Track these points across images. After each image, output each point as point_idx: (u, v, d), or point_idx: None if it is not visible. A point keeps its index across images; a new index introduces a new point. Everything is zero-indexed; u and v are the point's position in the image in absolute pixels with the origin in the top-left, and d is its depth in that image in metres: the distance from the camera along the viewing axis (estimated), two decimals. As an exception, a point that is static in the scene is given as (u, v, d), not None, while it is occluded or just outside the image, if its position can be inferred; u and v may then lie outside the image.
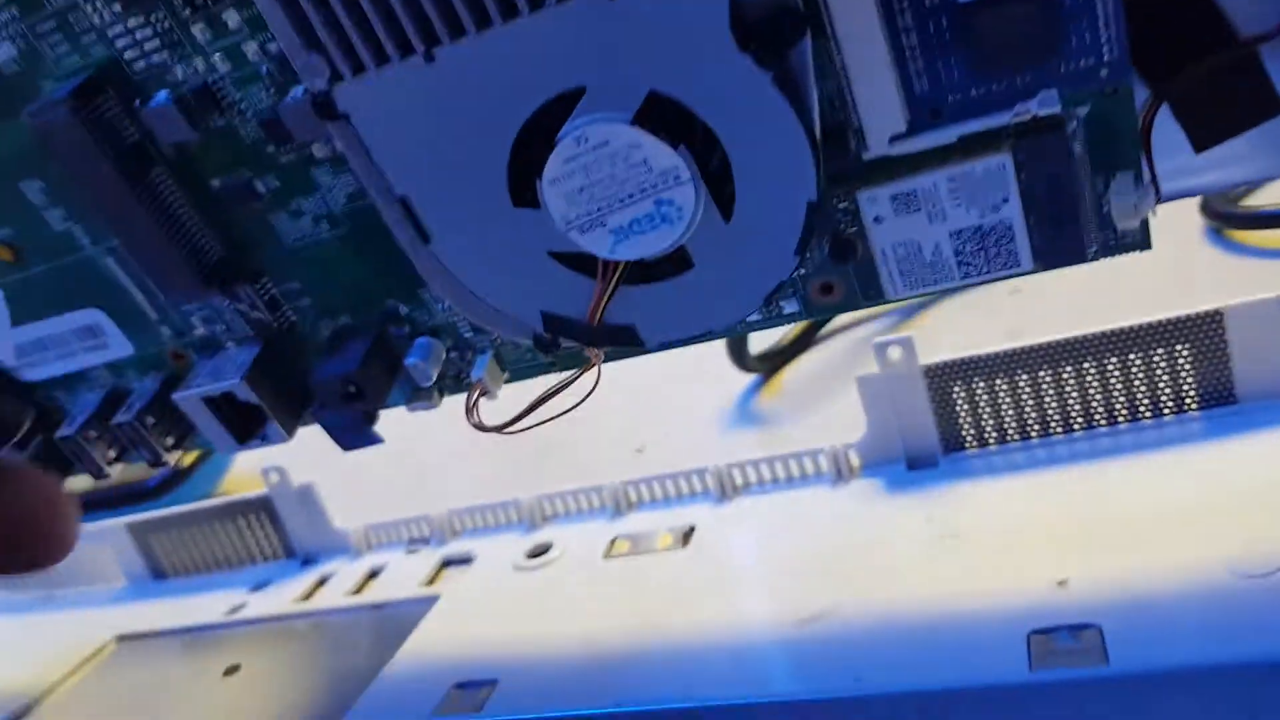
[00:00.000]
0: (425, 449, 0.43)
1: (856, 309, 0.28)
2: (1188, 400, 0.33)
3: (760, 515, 0.36)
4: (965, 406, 0.35)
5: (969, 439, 0.36)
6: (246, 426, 0.31)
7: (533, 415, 0.30)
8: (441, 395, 0.32)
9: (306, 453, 0.35)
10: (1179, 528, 0.28)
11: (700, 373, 0.49)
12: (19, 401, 0.34)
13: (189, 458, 0.58)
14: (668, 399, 0.48)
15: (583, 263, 0.26)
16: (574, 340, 0.28)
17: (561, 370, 0.31)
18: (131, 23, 0.26)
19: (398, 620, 0.37)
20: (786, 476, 0.37)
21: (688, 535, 0.36)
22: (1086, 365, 0.33)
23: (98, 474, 0.33)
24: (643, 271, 0.26)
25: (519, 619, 0.35)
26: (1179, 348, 0.32)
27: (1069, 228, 0.24)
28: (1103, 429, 0.34)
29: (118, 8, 0.26)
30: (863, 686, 0.25)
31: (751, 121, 0.23)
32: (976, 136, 0.23)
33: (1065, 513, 0.30)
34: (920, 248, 0.26)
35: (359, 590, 0.41)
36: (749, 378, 0.49)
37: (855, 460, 0.36)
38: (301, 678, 0.36)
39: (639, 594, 0.34)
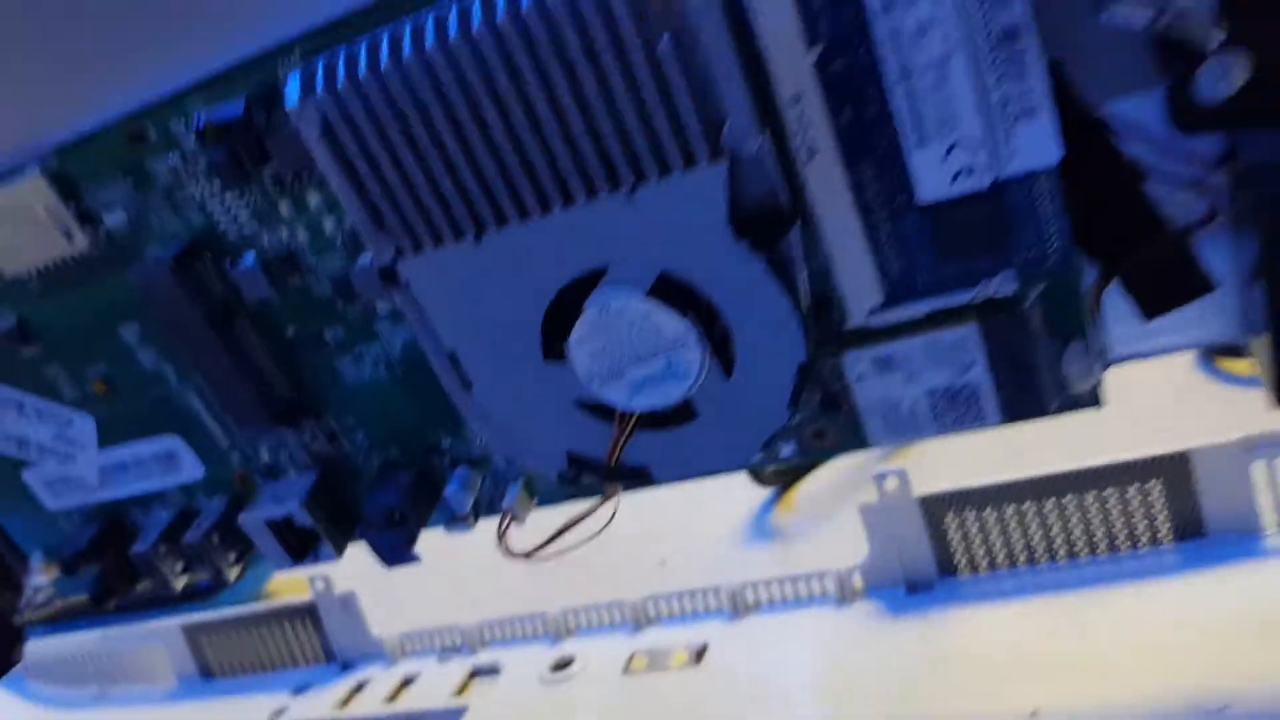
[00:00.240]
0: (455, 557, 0.46)
1: (846, 452, 0.32)
2: (1161, 532, 0.35)
3: (770, 634, 0.39)
4: (957, 533, 0.38)
5: (962, 564, 0.38)
6: (302, 546, 0.35)
7: (555, 543, 0.33)
8: (477, 518, 0.35)
9: (349, 558, 0.39)
10: (1144, 661, 0.30)
11: (719, 485, 0.52)
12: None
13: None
14: (688, 512, 0.51)
15: (603, 411, 0.30)
16: (594, 477, 0.31)
17: (584, 497, 0.34)
18: (228, 199, 0.31)
19: (430, 728, 0.40)
20: (795, 596, 0.40)
21: (701, 653, 0.39)
22: (1067, 498, 0.36)
23: (164, 586, 0.37)
24: (655, 420, 0.29)
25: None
26: (1150, 483, 0.35)
27: (1030, 389, 0.28)
28: (1084, 558, 0.36)
29: (218, 185, 0.31)
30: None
31: (748, 298, 0.27)
32: (945, 311, 0.27)
33: (1044, 642, 0.33)
34: (899, 403, 0.29)
35: (393, 697, 0.44)
36: (765, 491, 0.51)
37: (858, 582, 0.39)
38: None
39: (656, 713, 0.37)
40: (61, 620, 0.58)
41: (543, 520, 0.34)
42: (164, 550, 0.37)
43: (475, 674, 0.43)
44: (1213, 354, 0.47)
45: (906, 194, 0.25)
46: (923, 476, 0.38)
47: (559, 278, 0.27)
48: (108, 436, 0.37)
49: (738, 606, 0.41)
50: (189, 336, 0.32)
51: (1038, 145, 0.23)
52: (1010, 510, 0.37)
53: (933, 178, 0.25)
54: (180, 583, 0.36)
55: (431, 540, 0.35)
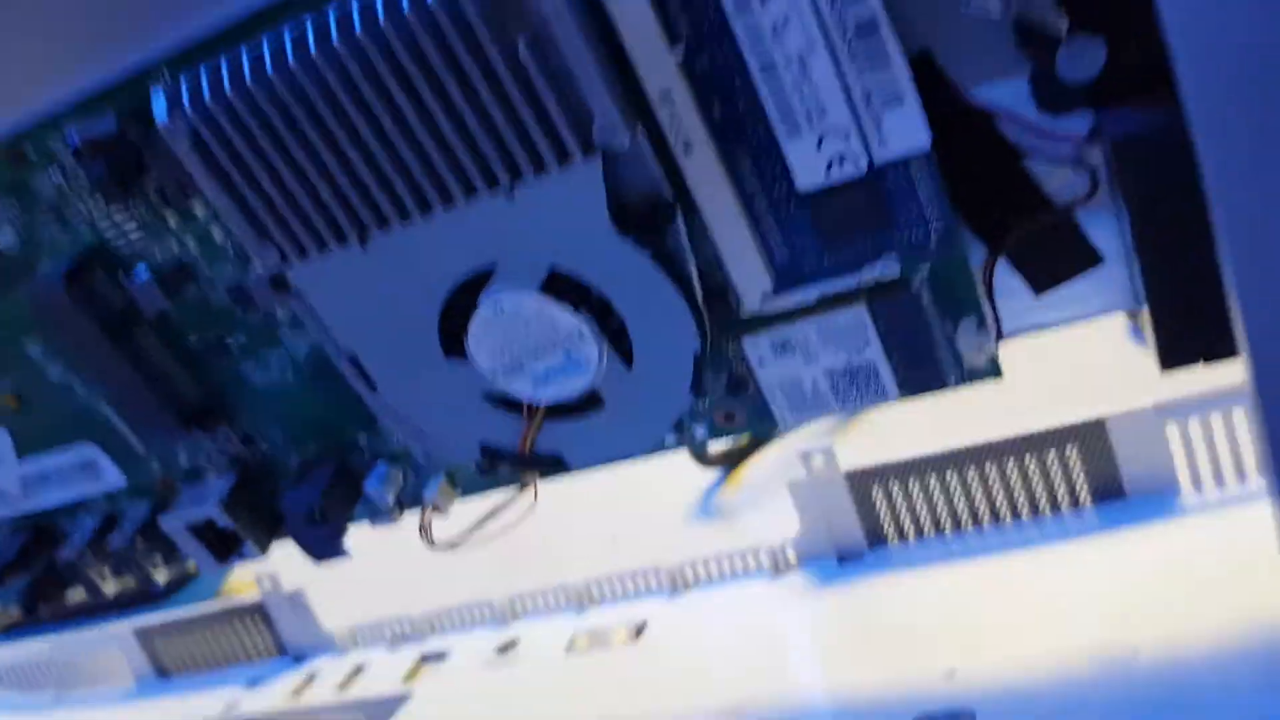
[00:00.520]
0: (404, 548, 0.47)
1: (756, 432, 0.32)
2: (1080, 496, 0.36)
3: (706, 609, 0.40)
4: (884, 505, 0.39)
5: (890, 533, 0.39)
6: (225, 546, 0.35)
7: (481, 529, 0.34)
8: (401, 511, 0.36)
9: (298, 553, 0.39)
10: (1060, 617, 0.31)
11: (673, 467, 0.53)
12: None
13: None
14: (636, 493, 0.52)
15: (511, 403, 0.30)
16: (509, 467, 0.32)
17: (508, 484, 0.35)
18: (114, 214, 0.31)
19: (379, 715, 0.40)
20: (731, 572, 0.41)
21: (640, 630, 0.40)
22: (988, 467, 0.37)
23: (94, 591, 0.38)
24: (563, 408, 0.30)
25: (485, 716, 0.38)
26: (1069, 449, 0.36)
27: (926, 365, 0.28)
28: (1007, 523, 0.37)
29: (102, 201, 0.30)
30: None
31: (637, 290, 0.27)
32: (834, 295, 0.27)
33: (965, 605, 0.34)
34: (801, 383, 0.29)
35: (345, 685, 0.45)
36: (708, 474, 0.52)
37: (791, 556, 0.40)
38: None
39: (594, 689, 0.38)
40: (10, 630, 0.59)
41: (468, 509, 0.35)
42: (91, 556, 0.37)
43: (424, 660, 0.44)
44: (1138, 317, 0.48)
45: (785, 183, 0.25)
46: (851, 452, 0.39)
47: (449, 278, 0.28)
48: (25, 448, 0.37)
49: (676, 583, 0.41)
50: (88, 350, 0.32)
51: (907, 131, 0.24)
52: (934, 480, 0.38)
53: (808, 167, 0.25)
54: (110, 587, 0.37)
55: (374, 532, 0.35)
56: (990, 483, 0.37)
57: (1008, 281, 0.28)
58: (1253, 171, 0.19)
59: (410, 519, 0.36)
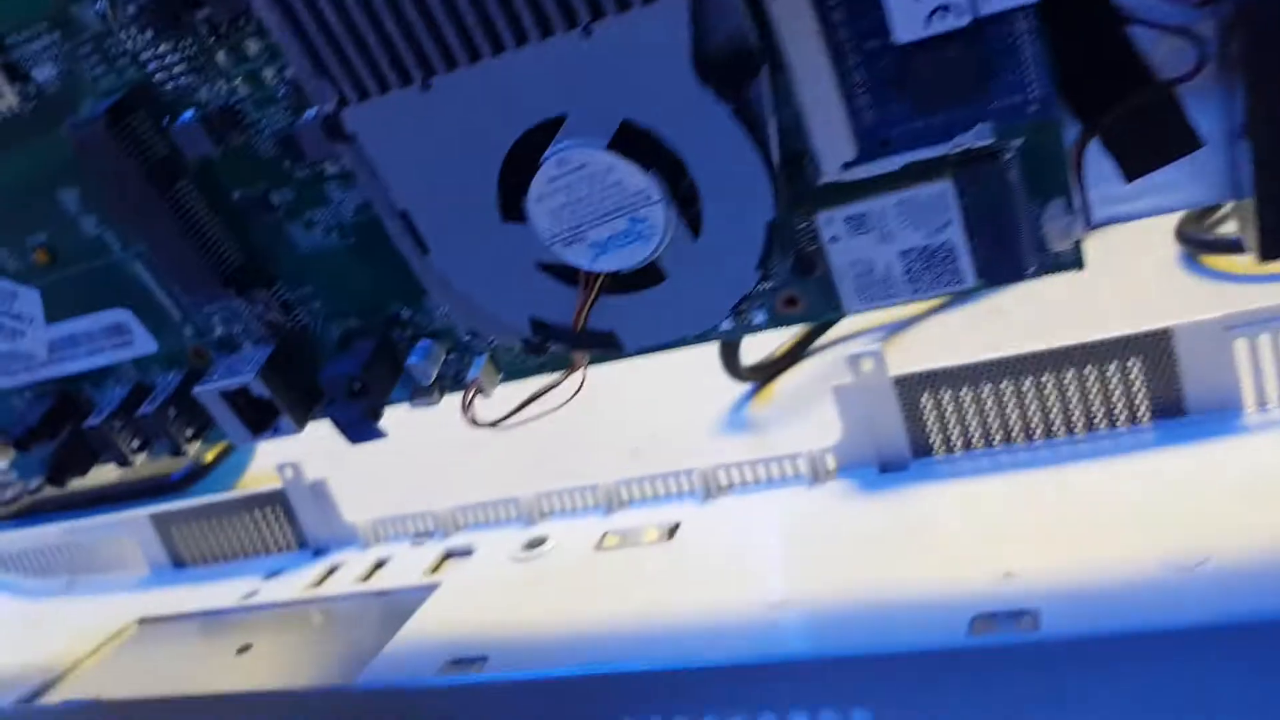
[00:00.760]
0: (431, 447, 0.46)
1: (818, 320, 0.31)
2: (1140, 411, 0.35)
3: (741, 513, 0.39)
4: (933, 415, 0.38)
5: (937, 445, 0.38)
6: (260, 419, 0.34)
7: (523, 413, 0.33)
8: (441, 393, 0.35)
9: (321, 449, 0.38)
10: (1121, 527, 0.30)
11: (697, 381, 0.52)
12: None
13: (210, 454, 0.61)
14: (664, 406, 0.51)
15: (567, 274, 0.29)
16: (559, 344, 0.30)
17: (552, 371, 0.34)
18: (161, 49, 0.29)
19: (401, 605, 0.40)
20: (767, 478, 0.40)
21: (673, 530, 0.39)
22: (1045, 377, 0.36)
23: (122, 462, 0.37)
24: (621, 283, 0.28)
25: (512, 604, 0.37)
26: (1131, 362, 0.34)
27: (1008, 249, 0.27)
28: (1061, 438, 0.36)
29: (149, 35, 0.29)
30: (820, 650, 0.28)
31: (714, 149, 0.25)
32: (920, 165, 0.26)
33: (1019, 513, 0.33)
34: (873, 265, 0.28)
35: (366, 578, 0.44)
36: (743, 387, 0.51)
37: (831, 463, 0.39)
38: (308, 656, 0.39)
39: (626, 582, 0.37)
40: (28, 515, 0.58)
41: (509, 394, 0.34)
42: (119, 425, 0.36)
43: (449, 555, 0.43)
44: (1197, 251, 0.46)
45: (881, 35, 0.24)
46: (901, 358, 0.38)
47: (515, 127, 0.26)
48: (54, 310, 0.36)
49: (710, 488, 0.40)
50: (129, 198, 0.30)
51: (1020, -24, 0.22)
52: (986, 390, 0.37)
53: (908, 15, 0.23)
54: (137, 458, 0.36)
55: (401, 426, 0.34)
56: (1046, 394, 0.36)
57: (1097, 166, 0.27)
58: None
59: (443, 408, 0.35)
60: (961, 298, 0.51)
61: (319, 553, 0.48)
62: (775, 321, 0.31)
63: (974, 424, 0.37)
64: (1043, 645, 0.26)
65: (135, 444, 0.36)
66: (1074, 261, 0.27)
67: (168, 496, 0.57)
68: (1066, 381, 0.35)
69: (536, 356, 0.32)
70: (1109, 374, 0.35)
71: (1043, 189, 0.26)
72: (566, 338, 0.30)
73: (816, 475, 0.39)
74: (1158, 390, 0.35)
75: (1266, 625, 0.24)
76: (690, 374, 0.51)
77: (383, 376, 0.33)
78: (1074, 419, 0.36)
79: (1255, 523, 0.28)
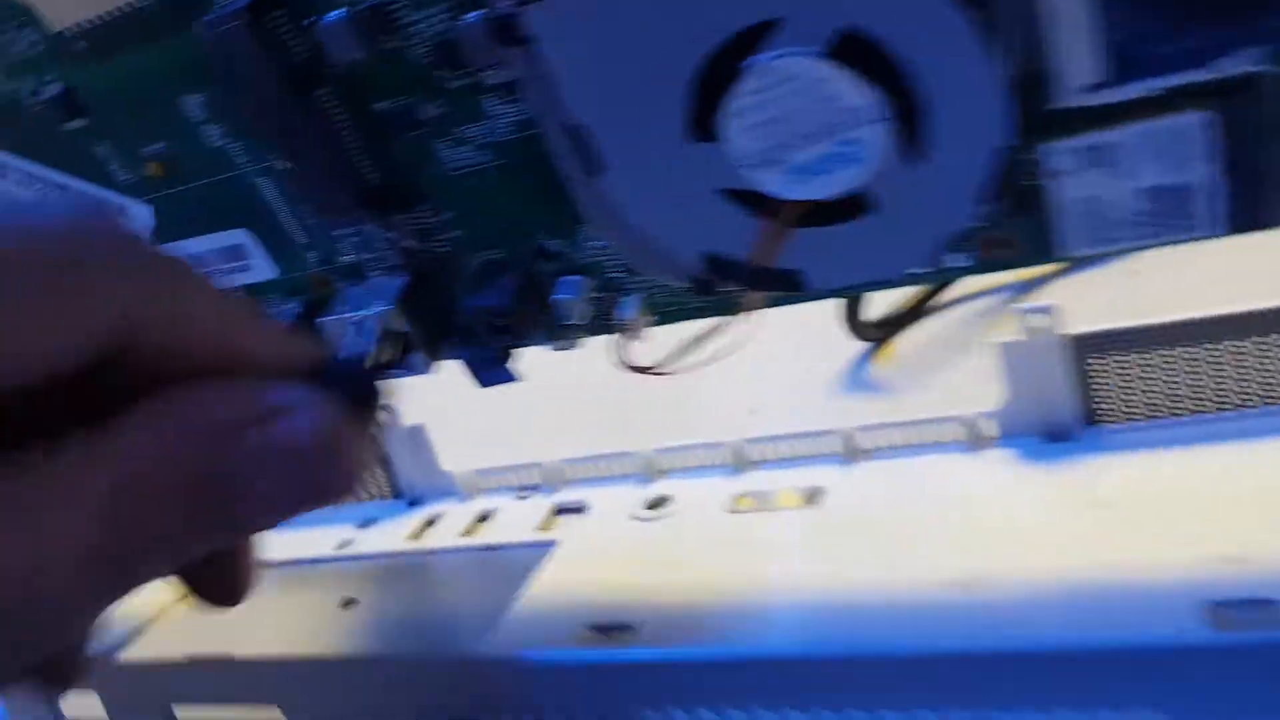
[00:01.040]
0: (529, 400, 0.44)
1: (1027, 266, 0.28)
2: (1357, 382, 0.32)
3: (891, 479, 0.37)
4: (1108, 379, 0.35)
5: (1111, 413, 0.35)
6: (388, 356, 0.32)
7: (684, 359, 0.31)
8: (581, 335, 0.33)
9: (413, 395, 0.36)
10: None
11: (809, 338, 0.49)
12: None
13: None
14: (778, 363, 0.48)
15: (755, 202, 0.26)
16: (736, 284, 0.28)
17: (712, 316, 0.31)
18: (311, -65, 0.27)
19: (514, 562, 0.38)
20: (917, 442, 0.38)
21: (814, 495, 0.37)
22: (1246, 343, 0.33)
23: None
24: (815, 214, 0.26)
25: (645, 566, 0.35)
26: (1350, 327, 0.32)
27: (1264, 194, 0.24)
28: (1252, 410, 0.33)
29: (297, -80, 0.27)
30: (1022, 641, 0.26)
31: (947, 62, 0.23)
32: (1175, 91, 0.23)
33: (1225, 488, 0.30)
34: (1103, 204, 0.26)
35: (469, 532, 0.42)
36: (856, 346, 0.49)
37: (990, 429, 0.37)
38: (420, 613, 0.37)
39: (772, 549, 0.35)
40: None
41: (661, 340, 0.32)
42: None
43: (559, 512, 0.41)
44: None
45: (1161, -69, 0.21)
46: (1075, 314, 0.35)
47: (718, 30, 0.24)
48: (167, 228, 0.34)
49: (851, 451, 0.38)
50: (265, 105, 0.28)
51: None
52: (1170, 355, 0.34)
53: (1201, -93, 0.21)
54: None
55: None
56: (1240, 361, 0.33)
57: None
58: None
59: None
60: (1091, 261, 0.48)
61: (414, 503, 0.46)
62: (980, 266, 0.28)
63: (1156, 391, 0.35)
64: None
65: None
66: (1340, 209, 0.24)
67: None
68: (1267, 349, 0.33)
69: (703, 297, 0.30)
70: (1321, 340, 0.32)
71: (1318, 121, 0.23)
72: (745, 275, 0.28)
73: (974, 441, 0.37)
74: (1377, 360, 0.32)
75: None
76: (800, 329, 0.48)
77: (528, 312, 0.31)
78: (1274, 391, 0.33)
79: None
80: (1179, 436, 0.34)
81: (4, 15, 0.31)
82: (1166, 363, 0.34)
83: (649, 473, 0.41)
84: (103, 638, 0.41)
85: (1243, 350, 0.33)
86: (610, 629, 0.32)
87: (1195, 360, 0.34)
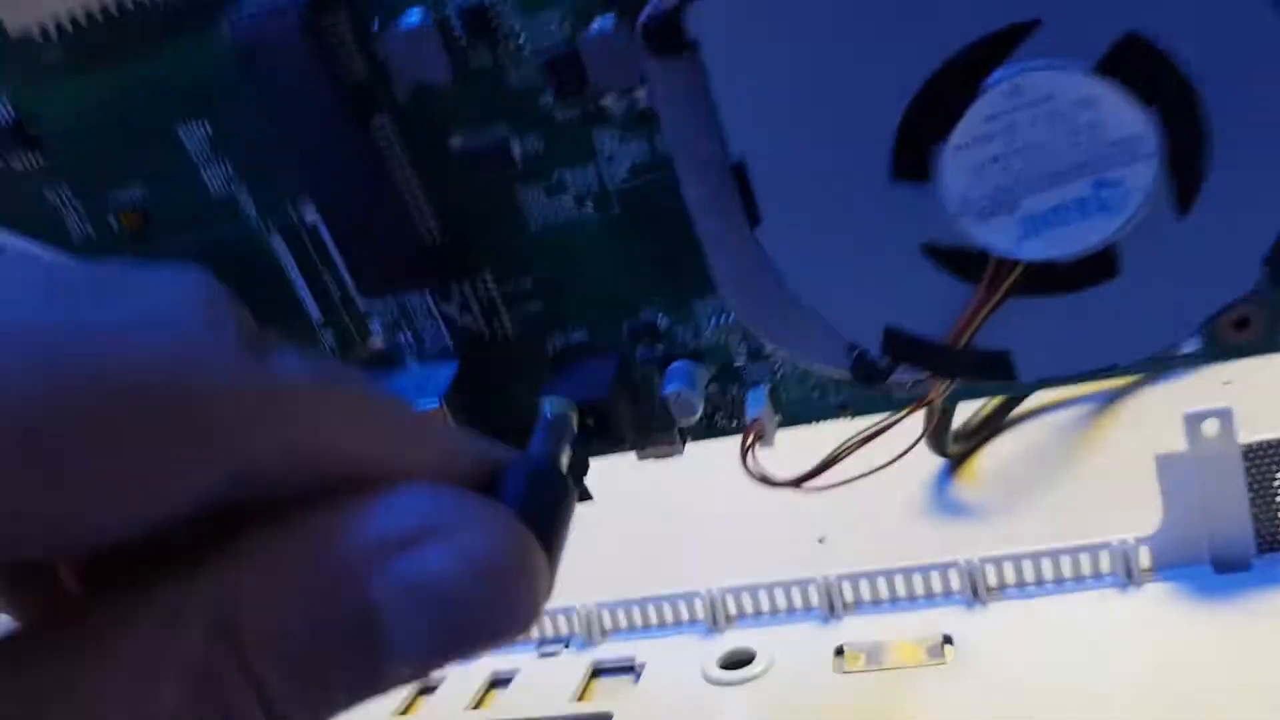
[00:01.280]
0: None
1: (1262, 352, 0.24)
2: None
3: (1032, 624, 0.31)
4: (1292, 497, 0.31)
5: (1294, 538, 0.31)
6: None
7: (835, 468, 0.25)
8: (684, 440, 0.27)
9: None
10: None
11: (871, 450, 0.44)
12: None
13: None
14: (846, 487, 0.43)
15: (963, 262, 0.21)
16: (922, 368, 0.23)
17: (852, 417, 0.26)
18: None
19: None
20: (1056, 577, 0.32)
21: (939, 648, 0.31)
22: None
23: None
24: (1040, 277, 0.21)
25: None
26: None
27: None
28: None
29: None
30: None
31: (1254, 81, 0.19)
32: None
33: None
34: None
35: (479, 704, 0.35)
36: (930, 461, 0.44)
37: (1147, 558, 0.32)
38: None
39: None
40: None
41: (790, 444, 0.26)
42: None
43: (601, 673, 0.34)
44: None
45: None
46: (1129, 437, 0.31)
47: (956, 36, 0.19)
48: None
49: (977, 588, 0.33)
50: (307, 132, 0.22)
51: None
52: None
53: None
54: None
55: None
56: None
57: None
58: None
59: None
60: (1171, 369, 0.45)
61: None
62: (1215, 351, 0.24)
63: (1349, 511, 0.31)
64: None
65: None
66: None
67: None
68: None
69: (867, 388, 0.24)
70: None
71: None
72: (937, 358, 0.23)
73: (1129, 574, 0.32)
74: None
75: None
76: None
77: (626, 409, 0.25)
78: None
79: None
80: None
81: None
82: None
83: (715, 619, 0.35)
84: None
85: None
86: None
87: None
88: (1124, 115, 0.19)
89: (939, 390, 0.24)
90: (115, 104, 0.24)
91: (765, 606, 0.35)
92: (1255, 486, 0.31)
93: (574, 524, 0.16)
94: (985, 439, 0.44)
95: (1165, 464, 0.31)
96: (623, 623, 0.36)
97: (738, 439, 0.26)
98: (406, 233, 0.24)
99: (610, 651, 0.35)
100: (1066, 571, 0.32)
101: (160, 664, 0.11)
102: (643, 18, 0.20)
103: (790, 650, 0.32)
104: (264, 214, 0.25)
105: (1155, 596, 0.31)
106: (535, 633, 0.37)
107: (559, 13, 0.22)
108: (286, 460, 0.12)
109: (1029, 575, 0.33)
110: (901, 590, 0.33)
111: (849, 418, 0.26)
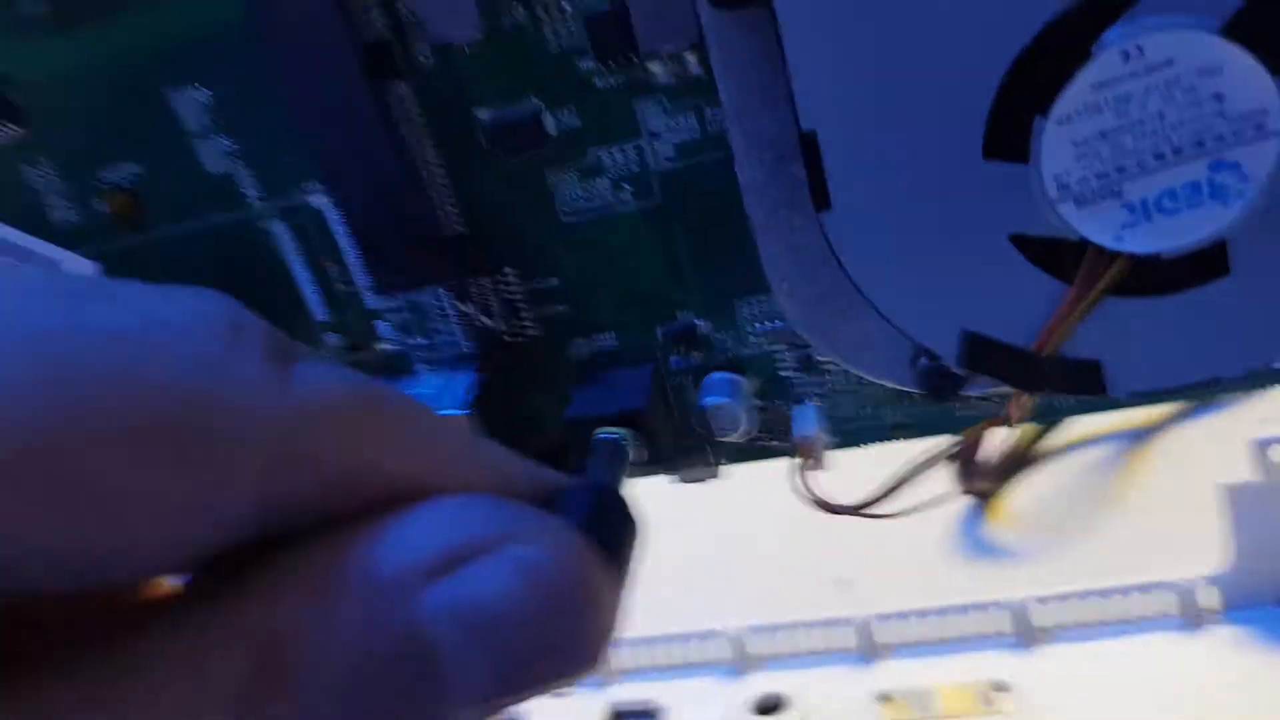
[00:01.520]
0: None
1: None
2: None
3: (1090, 669, 0.28)
4: (1373, 533, 0.28)
5: (1372, 578, 0.28)
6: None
7: (893, 496, 0.22)
8: (720, 461, 0.24)
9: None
10: None
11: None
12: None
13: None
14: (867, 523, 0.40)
15: (1056, 255, 0.18)
16: (1002, 378, 0.20)
17: (908, 439, 0.23)
18: None
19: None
20: (1113, 619, 0.29)
21: (991, 695, 0.28)
22: None
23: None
24: (1144, 275, 0.18)
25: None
26: None
27: None
28: None
29: None
30: None
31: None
32: None
33: None
34: None
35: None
36: (957, 498, 0.40)
37: (1212, 598, 0.28)
38: None
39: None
40: None
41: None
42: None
43: (618, 717, 0.30)
44: None
45: None
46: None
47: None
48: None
49: (1026, 630, 0.29)
50: (321, 98, 0.19)
51: None
52: None
53: None
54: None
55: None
56: None
57: None
58: None
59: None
60: (1205, 405, 0.42)
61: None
62: (1323, 365, 0.20)
63: None
64: None
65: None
66: None
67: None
68: None
69: (936, 402, 0.21)
70: None
71: None
72: (1019, 368, 0.19)
73: (1193, 616, 0.28)
74: None
75: None
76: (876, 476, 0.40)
77: (663, 423, 0.22)
78: None
79: None
80: None
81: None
82: None
83: (741, 661, 0.31)
84: None
85: None
86: None
87: None
88: (1251, 85, 0.16)
89: (1018, 406, 0.21)
90: (105, 66, 0.21)
91: (795, 648, 0.31)
92: (1329, 522, 0.28)
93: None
94: (1012, 475, 0.40)
95: (1233, 495, 0.28)
96: (642, 661, 0.32)
97: (773, 463, 0.23)
98: (425, 219, 0.21)
99: (628, 693, 0.31)
100: (1123, 613, 0.29)
101: (203, 694, 0.10)
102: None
103: (827, 696, 0.29)
104: (266, 196, 0.22)
105: (1223, 640, 0.28)
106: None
107: (606, -30, 0.19)
108: (321, 482, 0.11)
109: (1083, 616, 0.29)
110: (944, 632, 0.30)
111: (906, 439, 0.23)
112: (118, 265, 0.23)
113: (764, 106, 0.18)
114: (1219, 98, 0.17)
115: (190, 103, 0.21)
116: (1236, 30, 0.16)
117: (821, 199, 0.18)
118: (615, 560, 0.12)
